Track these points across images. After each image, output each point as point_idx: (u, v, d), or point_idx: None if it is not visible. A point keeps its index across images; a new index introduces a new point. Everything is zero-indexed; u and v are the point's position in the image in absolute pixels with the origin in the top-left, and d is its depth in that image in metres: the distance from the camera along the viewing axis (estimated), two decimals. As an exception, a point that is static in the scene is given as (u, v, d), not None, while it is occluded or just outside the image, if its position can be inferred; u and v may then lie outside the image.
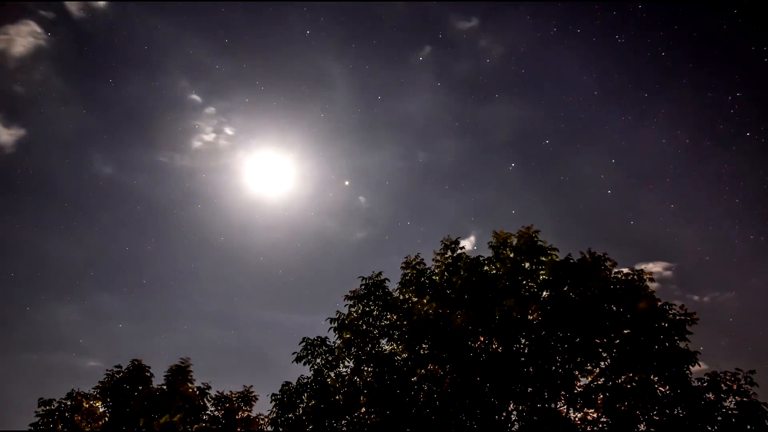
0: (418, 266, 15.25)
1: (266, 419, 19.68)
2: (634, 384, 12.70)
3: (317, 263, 42.39)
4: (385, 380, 13.71)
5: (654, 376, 12.60)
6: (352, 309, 15.07)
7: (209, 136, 38.56)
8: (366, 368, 14.35)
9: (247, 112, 38.70)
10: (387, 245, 41.11)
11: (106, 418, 18.57)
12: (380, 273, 15.37)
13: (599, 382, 13.10)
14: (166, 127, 39.44)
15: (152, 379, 19.52)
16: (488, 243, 14.95)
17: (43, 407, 17.94)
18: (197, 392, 19.71)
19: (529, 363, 13.27)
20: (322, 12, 35.71)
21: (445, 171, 41.15)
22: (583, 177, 38.15)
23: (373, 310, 14.97)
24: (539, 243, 14.43)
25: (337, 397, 14.11)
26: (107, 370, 19.20)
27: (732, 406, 11.94)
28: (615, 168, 36.32)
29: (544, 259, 14.27)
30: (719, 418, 11.76)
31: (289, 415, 14.26)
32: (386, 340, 14.76)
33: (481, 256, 14.75)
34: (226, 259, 42.52)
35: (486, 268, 14.58)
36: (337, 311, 15.11)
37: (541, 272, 14.18)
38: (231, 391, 20.37)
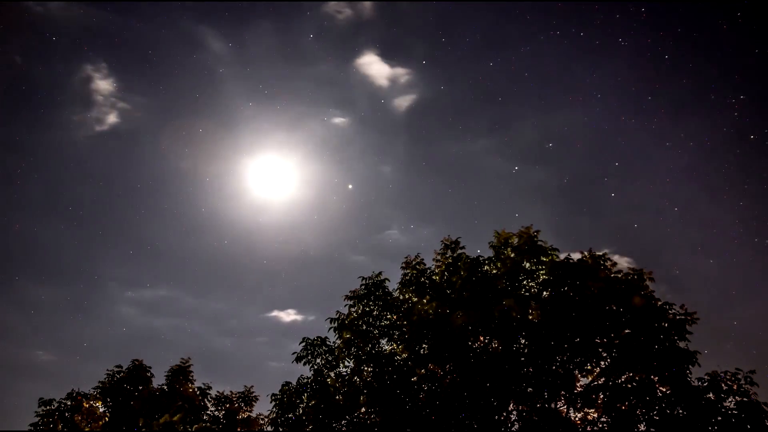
0: (418, 266, 15.26)
1: (266, 419, 19.68)
2: (634, 384, 12.70)
3: (320, 265, 42.44)
4: (385, 380, 13.71)
5: (654, 376, 12.59)
6: (352, 309, 15.07)
7: (212, 139, 38.71)
8: (366, 368, 14.35)
9: (251, 116, 38.92)
10: (389, 246, 41.19)
11: (106, 418, 18.58)
12: (380, 273, 15.38)
13: (599, 382, 13.10)
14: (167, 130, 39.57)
15: (152, 379, 19.55)
16: (489, 243, 14.97)
17: (43, 407, 17.95)
18: (198, 392, 19.72)
19: (529, 363, 13.27)
20: (326, 16, 35.82)
21: (448, 173, 41.18)
22: (586, 179, 38.13)
23: (373, 310, 14.97)
24: (540, 243, 14.44)
25: (337, 397, 14.12)
26: (107, 369, 19.23)
27: (732, 406, 11.93)
28: (617, 170, 36.29)
29: (544, 259, 14.28)
30: (719, 418, 11.75)
31: (289, 415, 14.26)
32: (386, 340, 14.76)
33: (481, 256, 14.76)
34: (230, 262, 42.58)
35: (486, 267, 14.58)
36: (337, 311, 15.12)
37: (541, 272, 14.18)
38: (231, 391, 20.40)
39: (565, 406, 13.13)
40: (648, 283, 13.64)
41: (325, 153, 39.51)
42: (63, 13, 34.96)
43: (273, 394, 14.61)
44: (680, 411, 12.05)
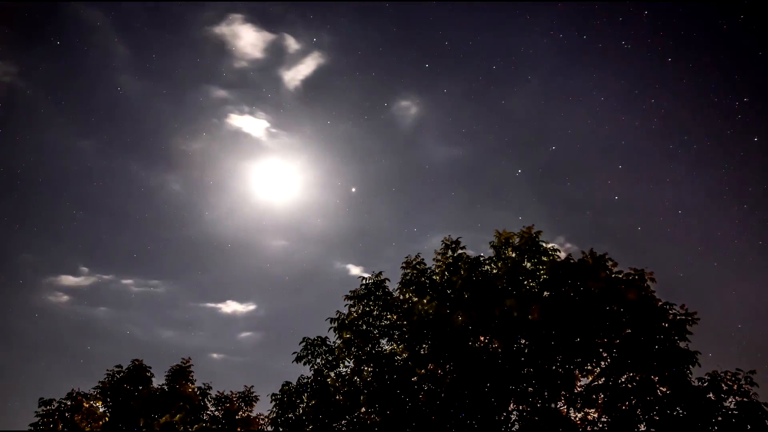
0: (418, 266, 15.26)
1: (266, 419, 19.69)
2: (634, 384, 12.70)
3: (323, 269, 42.47)
4: (385, 380, 13.71)
5: (654, 376, 12.59)
6: (352, 309, 15.07)
7: (216, 143, 38.96)
8: (366, 368, 14.36)
9: (253, 119, 38.99)
10: (393, 250, 41.19)
11: (107, 418, 18.59)
12: (380, 273, 15.39)
13: (599, 382, 13.11)
14: (171, 133, 39.80)
15: (152, 379, 19.56)
16: (490, 243, 15.00)
17: (43, 407, 17.96)
18: (198, 392, 19.73)
19: (529, 363, 13.27)
20: (329, 19, 35.88)
21: (452, 177, 41.17)
22: (589, 182, 38.11)
23: (373, 310, 14.97)
24: (540, 243, 14.45)
25: (337, 397, 14.11)
26: (108, 369, 19.24)
27: (732, 406, 11.94)
28: (621, 173, 36.25)
29: (545, 259, 14.29)
30: (719, 418, 11.76)
31: (289, 415, 14.26)
32: (386, 340, 14.77)
33: (482, 256, 14.79)
34: (233, 266, 42.59)
35: (486, 268, 14.59)
36: (337, 311, 15.12)
37: (542, 272, 14.19)
38: (231, 392, 20.42)
39: (566, 406, 13.13)
40: (648, 283, 13.64)
41: (329, 156, 39.59)
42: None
43: (273, 394, 14.62)
44: (680, 411, 12.05)
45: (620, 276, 13.79)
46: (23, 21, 33.05)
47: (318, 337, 15.03)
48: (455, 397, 13.21)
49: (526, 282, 14.17)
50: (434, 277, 15.03)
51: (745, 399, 11.91)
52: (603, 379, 13.12)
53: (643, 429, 12.27)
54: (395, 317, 14.78)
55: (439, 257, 15.21)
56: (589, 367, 13.26)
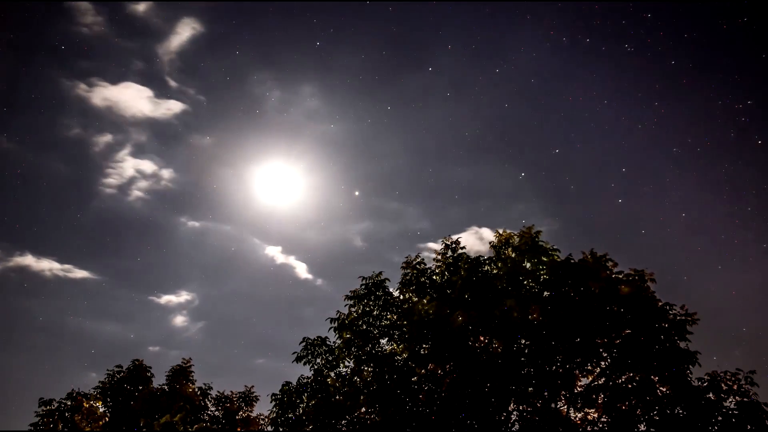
0: (418, 266, 15.26)
1: (266, 419, 19.69)
2: (634, 384, 12.71)
3: (328, 273, 42.47)
4: (385, 380, 13.71)
5: (654, 376, 12.60)
6: (352, 309, 15.08)
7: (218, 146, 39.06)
8: (366, 368, 14.36)
9: (257, 123, 39.12)
10: (397, 253, 41.22)
11: (107, 418, 18.59)
12: (380, 273, 15.39)
13: (599, 382, 13.11)
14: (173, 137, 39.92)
15: (153, 379, 19.56)
16: (490, 243, 15.01)
17: (43, 407, 17.96)
18: (198, 392, 19.73)
19: (529, 363, 13.27)
20: (333, 23, 35.91)
21: (455, 180, 41.18)
22: (592, 185, 38.09)
23: (373, 310, 14.97)
24: (541, 243, 14.45)
25: (337, 397, 14.12)
26: (108, 369, 19.25)
27: (732, 406, 11.94)
28: (624, 176, 36.24)
29: (545, 259, 14.29)
30: (719, 418, 11.77)
31: (289, 415, 14.26)
32: (386, 340, 14.78)
33: (482, 256, 14.80)
34: (236, 270, 42.58)
35: (486, 268, 14.60)
36: (337, 311, 15.13)
37: (542, 272, 14.19)
38: (231, 392, 20.42)
39: (566, 406, 13.14)
40: (649, 283, 13.65)
41: (332, 160, 39.67)
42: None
43: (273, 394, 14.63)
44: (680, 411, 12.06)
45: (620, 276, 13.80)
46: None
47: (318, 337, 15.04)
48: (455, 397, 13.21)
49: (526, 282, 14.17)
50: (434, 277, 15.03)
51: (745, 399, 11.92)
52: (603, 379, 13.12)
53: (643, 429, 12.27)
54: (395, 317, 14.78)
55: (439, 257, 15.22)
56: (589, 367, 13.26)
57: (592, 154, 38.03)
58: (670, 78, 33.21)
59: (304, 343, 14.96)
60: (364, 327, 14.80)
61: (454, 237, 15.24)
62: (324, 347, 14.94)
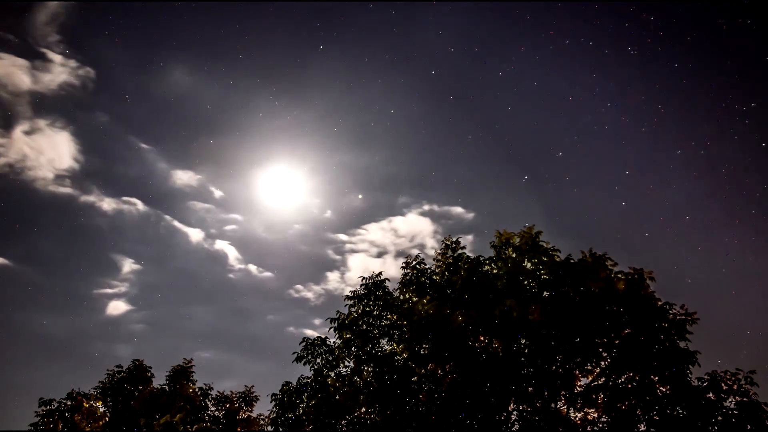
0: (418, 266, 15.27)
1: (266, 419, 19.70)
2: (634, 384, 12.70)
3: (332, 278, 42.52)
4: (385, 380, 13.72)
5: (654, 376, 12.59)
6: (353, 309, 15.08)
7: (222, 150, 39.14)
8: (366, 368, 14.36)
9: (261, 127, 39.20)
10: (401, 257, 41.20)
11: (107, 418, 18.59)
12: (380, 273, 15.40)
13: (599, 382, 13.10)
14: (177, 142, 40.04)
15: (153, 379, 19.57)
16: (490, 243, 15.00)
17: (43, 407, 17.97)
18: (198, 392, 19.74)
19: (529, 363, 13.27)
20: (336, 27, 36.01)
21: (459, 183, 41.24)
22: (596, 187, 38.06)
23: (373, 310, 14.97)
24: (541, 243, 14.44)
25: (337, 397, 14.12)
26: (108, 369, 19.26)
27: (732, 406, 11.94)
28: (627, 178, 36.21)
29: (545, 259, 14.28)
30: (719, 418, 11.76)
31: (289, 415, 14.26)
32: (386, 340, 14.77)
33: (482, 256, 14.78)
34: (239, 275, 42.61)
35: (486, 268, 14.59)
36: (337, 311, 15.13)
37: (542, 272, 14.18)
38: (232, 392, 20.44)
39: (566, 406, 13.13)
40: (648, 282, 13.65)
41: (335, 163, 39.75)
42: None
43: (273, 394, 14.63)
44: (680, 411, 12.06)
45: (620, 275, 13.79)
46: None
47: (318, 337, 15.06)
48: (455, 397, 13.21)
49: (526, 282, 14.16)
50: (434, 277, 15.03)
51: (745, 399, 11.92)
52: (603, 379, 13.11)
53: (643, 429, 12.27)
54: (395, 317, 14.78)
55: (439, 257, 15.21)
56: (589, 367, 13.25)
57: (595, 157, 38.02)
58: (672, 80, 33.22)
59: (304, 343, 14.97)
60: (364, 327, 14.80)
61: (454, 237, 15.26)
62: (324, 347, 14.94)
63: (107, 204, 38.04)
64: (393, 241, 40.58)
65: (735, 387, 12.07)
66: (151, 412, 18.57)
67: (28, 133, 35.07)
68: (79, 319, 39.38)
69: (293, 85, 38.94)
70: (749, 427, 11.54)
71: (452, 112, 40.11)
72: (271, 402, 14.58)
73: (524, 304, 13.65)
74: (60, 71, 34.33)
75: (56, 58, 34.19)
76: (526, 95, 37.64)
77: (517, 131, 39.45)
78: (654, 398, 12.33)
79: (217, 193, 40.52)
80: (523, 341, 13.60)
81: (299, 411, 14.30)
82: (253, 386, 20.57)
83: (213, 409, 19.90)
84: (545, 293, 13.99)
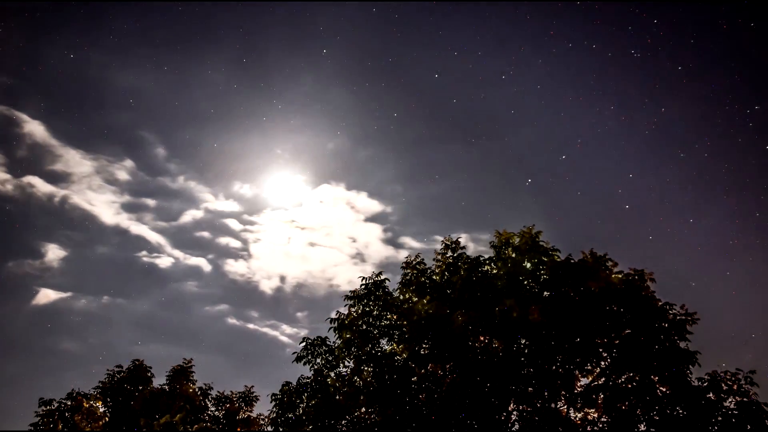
0: (418, 266, 15.26)
1: (266, 419, 19.70)
2: (634, 384, 12.70)
3: (337, 283, 42.59)
4: (385, 380, 13.71)
5: (654, 376, 12.59)
6: (352, 309, 15.07)
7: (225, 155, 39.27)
8: (366, 368, 14.35)
9: (264, 131, 39.30)
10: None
11: (107, 418, 18.59)
12: (380, 273, 15.40)
13: (599, 382, 13.10)
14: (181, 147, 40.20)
15: (153, 379, 19.57)
16: (490, 243, 15.00)
17: (43, 407, 17.96)
18: (198, 392, 19.74)
19: (529, 363, 13.27)
20: (339, 31, 36.10)
21: (461, 185, 41.27)
22: (599, 191, 38.02)
23: (373, 310, 14.97)
24: (541, 243, 14.44)
25: (337, 397, 14.12)
26: (108, 369, 19.25)
27: (732, 406, 11.93)
28: (632, 182, 36.17)
29: (545, 259, 14.28)
30: (719, 418, 11.76)
31: (289, 415, 14.26)
32: (386, 340, 14.77)
33: (482, 256, 14.79)
34: (243, 282, 42.63)
35: (486, 268, 14.59)
36: (337, 311, 15.13)
37: (542, 272, 14.18)
38: (232, 392, 20.43)
39: (566, 406, 13.13)
40: (648, 283, 13.65)
41: (339, 167, 39.87)
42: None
43: (273, 394, 14.63)
44: (680, 411, 12.05)
45: (620, 276, 13.80)
46: None
47: (318, 337, 15.05)
48: (455, 397, 13.21)
49: (526, 282, 14.16)
50: (434, 277, 15.03)
51: (745, 399, 11.91)
52: (603, 379, 13.12)
53: (643, 429, 12.27)
54: (395, 317, 14.78)
55: (439, 257, 15.22)
56: (589, 367, 13.25)
57: (598, 160, 37.97)
58: (675, 82, 33.21)
59: (303, 343, 14.98)
60: (364, 327, 14.80)
61: (454, 237, 15.26)
62: (324, 347, 14.94)
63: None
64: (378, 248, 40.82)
65: (735, 387, 12.06)
66: (151, 412, 18.57)
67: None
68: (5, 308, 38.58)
69: (296, 89, 39.04)
70: (749, 427, 11.54)
71: (455, 115, 40.16)
72: (271, 402, 14.60)
73: (524, 304, 13.65)
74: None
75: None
76: (529, 98, 37.66)
77: (520, 134, 39.48)
78: (654, 398, 12.33)
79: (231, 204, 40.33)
80: (523, 341, 13.60)
81: (299, 411, 14.30)
82: (252, 386, 20.59)
83: (213, 409, 19.90)
84: (545, 293, 14.00)
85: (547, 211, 38.03)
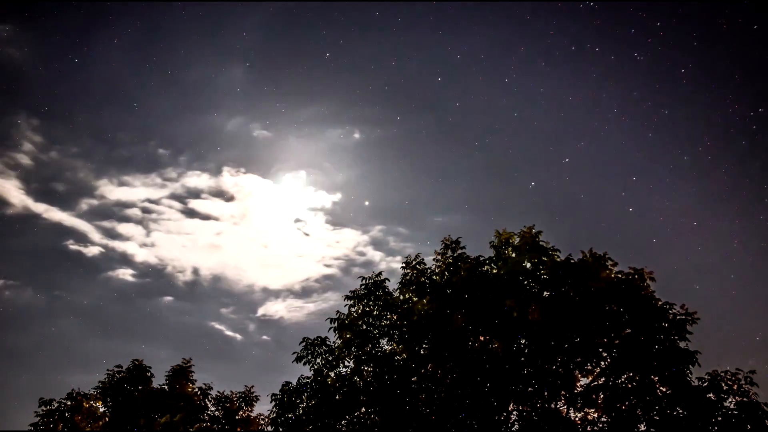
0: (418, 266, 15.26)
1: (266, 419, 19.69)
2: (634, 384, 12.70)
3: (340, 286, 42.64)
4: (385, 380, 13.71)
5: (654, 376, 12.59)
6: (352, 309, 15.07)
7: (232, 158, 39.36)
8: (366, 368, 14.35)
9: (269, 134, 39.25)
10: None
11: (107, 418, 18.58)
12: (380, 273, 15.41)
13: (599, 382, 13.10)
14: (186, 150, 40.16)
15: (153, 379, 19.56)
16: (490, 243, 14.97)
17: (43, 407, 17.95)
18: (198, 392, 19.73)
19: (529, 363, 13.26)
20: (342, 34, 36.19)
21: (465, 189, 41.27)
22: (603, 194, 37.97)
23: (373, 310, 14.97)
24: (541, 243, 14.43)
25: (337, 397, 14.11)
26: (108, 369, 19.25)
27: (732, 406, 11.93)
28: (635, 185, 36.11)
29: (545, 259, 14.27)
30: (719, 418, 11.76)
31: (289, 415, 14.26)
32: (386, 340, 14.76)
33: (482, 256, 14.76)
34: (249, 285, 42.65)
35: (486, 268, 14.58)
36: (337, 311, 15.13)
37: (542, 272, 14.17)
38: (232, 391, 20.42)
39: (566, 406, 13.13)
40: (648, 282, 13.65)
41: (342, 171, 39.92)
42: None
43: (273, 394, 14.63)
44: (680, 411, 12.05)
45: (620, 276, 13.79)
46: None
47: (318, 337, 15.04)
48: (455, 397, 13.21)
49: (526, 282, 14.15)
50: (434, 277, 15.02)
51: (745, 399, 11.92)
52: (603, 379, 13.11)
53: (643, 429, 12.26)
54: (395, 317, 14.77)
55: (439, 257, 15.21)
56: (589, 367, 13.25)
57: (601, 163, 37.94)
58: (678, 85, 33.20)
59: (304, 343, 14.97)
60: (364, 327, 14.79)
61: (454, 237, 15.25)
62: (324, 347, 14.94)
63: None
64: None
65: (735, 387, 12.06)
66: (151, 412, 18.56)
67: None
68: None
69: (300, 92, 39.13)
70: (749, 427, 11.54)
71: (458, 119, 40.18)
72: (270, 402, 14.60)
73: (524, 304, 13.65)
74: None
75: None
76: (531, 101, 37.65)
77: (523, 137, 39.45)
78: (654, 398, 12.33)
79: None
80: (523, 341, 13.60)
81: (299, 411, 14.30)
82: (253, 386, 20.59)
83: (213, 409, 19.88)
84: (545, 293, 13.98)
85: (550, 215, 37.96)
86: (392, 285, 15.35)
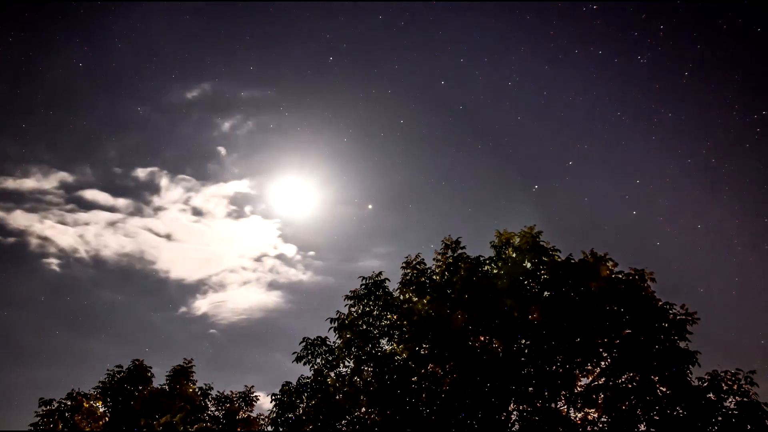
0: (418, 266, 15.25)
1: (266, 419, 19.70)
2: (634, 384, 12.70)
3: (343, 288, 42.61)
4: (385, 380, 13.71)
5: (654, 376, 12.59)
6: (352, 309, 15.07)
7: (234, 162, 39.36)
8: (366, 368, 14.35)
9: (272, 137, 39.35)
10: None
11: (107, 418, 18.59)
12: (380, 273, 15.38)
13: (600, 382, 13.10)
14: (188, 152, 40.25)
15: (153, 379, 19.57)
16: (490, 242, 14.97)
17: (43, 407, 17.96)
18: (198, 392, 19.74)
19: (529, 363, 13.26)
20: (345, 38, 36.24)
21: (468, 192, 41.24)
22: (606, 196, 37.92)
23: (373, 310, 14.96)
24: (541, 243, 14.44)
25: (337, 397, 14.11)
26: (108, 369, 19.26)
27: (732, 406, 11.93)
28: (638, 188, 36.05)
29: (545, 259, 14.28)
30: (719, 418, 11.76)
31: (289, 415, 14.26)
32: (386, 340, 14.76)
33: (482, 256, 14.76)
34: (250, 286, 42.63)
35: (487, 267, 14.58)
36: (337, 311, 15.12)
37: (542, 272, 14.18)
38: (232, 391, 20.43)
39: (566, 406, 13.13)
40: (648, 283, 13.65)
41: (345, 174, 39.99)
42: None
43: (273, 394, 14.62)
44: (680, 411, 12.05)
45: (620, 276, 13.80)
46: None
47: (318, 337, 15.03)
48: (455, 397, 13.21)
49: (526, 282, 14.15)
50: (434, 277, 15.02)
51: (745, 399, 11.92)
52: (603, 379, 13.11)
53: (643, 429, 12.26)
54: (395, 317, 14.77)
55: (439, 257, 15.20)
56: (589, 367, 13.25)
57: (605, 166, 37.90)
58: (682, 88, 33.16)
59: (304, 343, 14.96)
60: (364, 327, 14.79)
61: (454, 237, 15.24)
62: (324, 347, 14.94)
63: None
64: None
65: (735, 387, 12.07)
66: (151, 412, 18.57)
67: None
68: None
69: (303, 96, 39.22)
70: (749, 427, 11.54)
71: (461, 122, 40.19)
72: (271, 402, 14.60)
73: (524, 304, 13.65)
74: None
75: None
76: (534, 104, 37.66)
77: (526, 140, 39.45)
78: (654, 398, 12.33)
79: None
80: (523, 341, 13.60)
81: (299, 411, 14.30)
82: (253, 386, 20.60)
83: (213, 409, 19.89)
84: (545, 293, 13.99)
85: (553, 218, 37.89)
86: (392, 285, 15.37)
